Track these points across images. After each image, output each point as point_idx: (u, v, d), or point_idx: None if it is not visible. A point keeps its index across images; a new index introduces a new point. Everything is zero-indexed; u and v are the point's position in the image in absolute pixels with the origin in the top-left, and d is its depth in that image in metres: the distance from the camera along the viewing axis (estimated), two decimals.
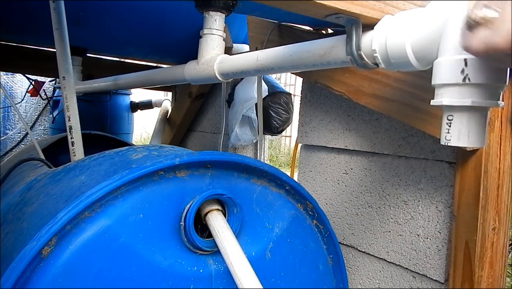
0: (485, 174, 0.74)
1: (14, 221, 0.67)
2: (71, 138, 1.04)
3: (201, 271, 0.63)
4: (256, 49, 1.17)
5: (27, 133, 3.05)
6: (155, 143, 1.96)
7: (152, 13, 1.40)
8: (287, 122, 1.65)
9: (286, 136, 6.66)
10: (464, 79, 0.41)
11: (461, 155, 0.78)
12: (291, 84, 5.95)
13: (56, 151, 1.30)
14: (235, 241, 0.62)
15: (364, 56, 0.56)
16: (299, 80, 1.26)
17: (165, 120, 2.10)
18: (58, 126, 2.32)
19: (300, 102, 1.20)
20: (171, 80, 1.03)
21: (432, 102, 0.45)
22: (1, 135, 2.97)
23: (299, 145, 1.22)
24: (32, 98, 2.93)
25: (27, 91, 2.29)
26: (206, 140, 1.92)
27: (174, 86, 2.12)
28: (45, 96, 2.39)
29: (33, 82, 2.15)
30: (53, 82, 2.48)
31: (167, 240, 0.60)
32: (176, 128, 2.01)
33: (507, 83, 0.42)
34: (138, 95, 2.63)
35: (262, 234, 0.70)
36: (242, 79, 1.64)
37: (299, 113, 1.20)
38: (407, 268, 0.90)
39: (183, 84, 1.21)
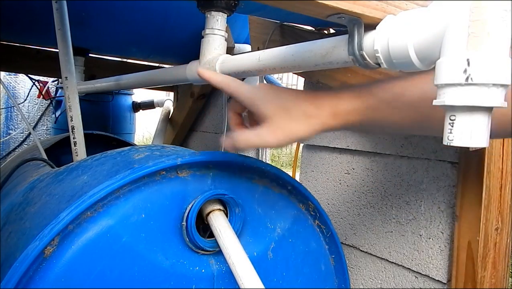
0: (488, 174, 0.74)
1: (17, 221, 0.68)
2: (74, 138, 1.04)
3: (203, 271, 0.63)
4: (258, 49, 1.17)
5: (29, 133, 3.05)
6: (157, 143, 1.96)
7: (154, 13, 1.40)
8: None
9: None
10: (466, 79, 0.41)
11: (464, 155, 0.77)
12: (293, 84, 5.95)
13: (59, 151, 1.31)
14: (237, 241, 0.62)
15: (366, 56, 0.55)
16: (301, 80, 1.26)
17: (167, 120, 2.10)
18: (61, 126, 2.33)
19: None
20: (173, 80, 1.03)
21: (434, 102, 0.45)
22: (4, 135, 2.98)
23: (301, 145, 1.21)
24: (34, 98, 2.94)
25: (41, 95, 2.29)
26: (208, 140, 1.92)
27: (176, 86, 2.12)
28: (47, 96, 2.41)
29: (40, 85, 2.16)
30: (56, 82, 2.49)
31: (169, 240, 0.60)
32: (178, 128, 2.01)
33: (510, 83, 0.42)
34: (140, 95, 2.63)
35: (264, 234, 0.70)
36: (244, 79, 1.64)
37: None
38: (409, 268, 0.90)
39: (185, 84, 1.21)
